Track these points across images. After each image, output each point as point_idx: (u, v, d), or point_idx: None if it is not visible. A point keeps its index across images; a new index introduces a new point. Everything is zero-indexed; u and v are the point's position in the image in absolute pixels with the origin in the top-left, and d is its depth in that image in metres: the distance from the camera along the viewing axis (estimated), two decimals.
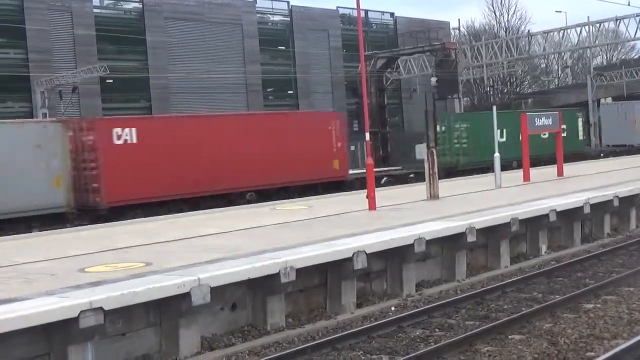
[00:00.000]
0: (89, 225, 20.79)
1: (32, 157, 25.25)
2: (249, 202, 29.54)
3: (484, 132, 39.54)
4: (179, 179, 28.54)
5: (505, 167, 29.62)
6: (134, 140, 28.01)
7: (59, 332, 9.54)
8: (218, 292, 11.16)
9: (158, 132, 29.20)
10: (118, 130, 27.77)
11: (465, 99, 72.49)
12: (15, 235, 19.05)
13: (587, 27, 56.72)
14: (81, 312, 9.42)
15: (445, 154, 41.47)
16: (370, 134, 20.66)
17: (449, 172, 38.87)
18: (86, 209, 27.03)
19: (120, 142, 27.67)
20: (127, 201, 27.44)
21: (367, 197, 19.38)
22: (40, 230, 22.39)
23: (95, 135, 27.39)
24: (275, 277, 11.81)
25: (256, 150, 31.06)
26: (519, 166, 29.87)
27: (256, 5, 58.77)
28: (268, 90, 59.88)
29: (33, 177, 25.07)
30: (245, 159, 30.65)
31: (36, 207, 25.13)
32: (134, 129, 28.15)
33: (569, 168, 30.67)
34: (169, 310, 10.84)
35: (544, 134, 42.94)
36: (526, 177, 27.05)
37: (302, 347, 10.79)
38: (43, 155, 25.56)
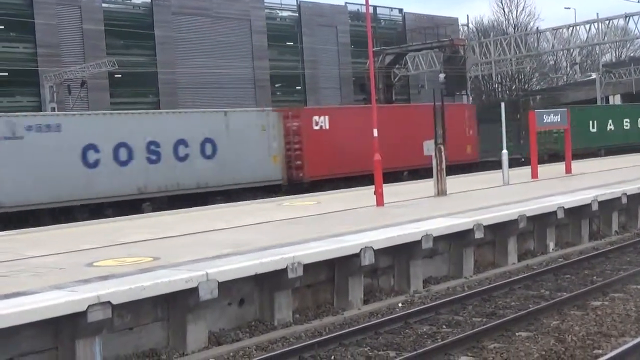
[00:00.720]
0: (98, 220, 20.86)
1: (259, 139, 31.36)
2: (403, 179, 34.52)
3: (582, 123, 47.39)
4: (357, 159, 32.57)
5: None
6: (327, 127, 34.40)
7: (67, 326, 9.58)
8: (226, 287, 11.18)
9: (344, 120, 35.30)
10: (316, 117, 34.31)
11: (472, 95, 72.34)
12: (23, 229, 19.11)
13: (596, 24, 56.55)
14: (89, 306, 9.45)
15: (547, 142, 47.09)
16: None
17: (552, 157, 43.54)
18: (292, 182, 32.88)
19: (317, 127, 34.13)
20: (321, 176, 33.68)
21: (375, 194, 19.38)
22: (262, 198, 26.52)
23: (300, 122, 33.66)
24: (282, 272, 11.82)
25: (412, 135, 35.10)
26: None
27: (264, 0, 58.77)
28: (276, 85, 59.95)
29: (260, 155, 31.36)
30: (403, 143, 35.26)
31: (261, 179, 31.42)
32: (327, 117, 34.38)
33: (578, 165, 30.58)
34: (176, 305, 10.87)
35: (610, 126, 51.01)
36: (534, 174, 27.01)
37: (309, 342, 10.79)
38: (266, 137, 31.74)
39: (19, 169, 24.32)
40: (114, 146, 26.88)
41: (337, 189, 28.39)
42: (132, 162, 27.33)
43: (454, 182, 24.55)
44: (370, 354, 10.52)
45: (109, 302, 9.64)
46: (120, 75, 49.54)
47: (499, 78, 76.36)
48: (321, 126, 34.07)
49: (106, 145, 26.65)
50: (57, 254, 13.61)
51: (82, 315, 9.42)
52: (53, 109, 43.63)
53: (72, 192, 25.69)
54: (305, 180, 33.11)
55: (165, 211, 23.31)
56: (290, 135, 33.33)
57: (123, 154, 27.12)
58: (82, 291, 9.80)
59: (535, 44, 62.15)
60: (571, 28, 58.82)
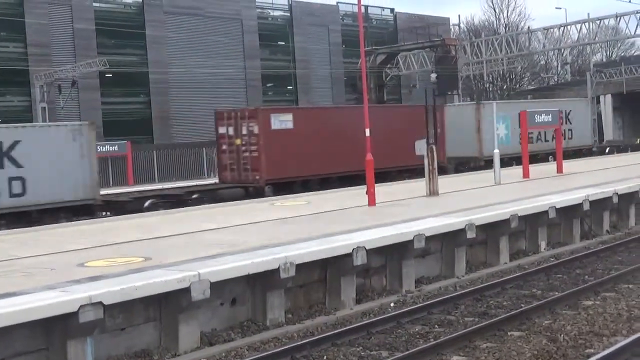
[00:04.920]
0: (88, 220, 20.80)
1: None
2: None
3: None
4: None
5: None
6: None
7: (59, 327, 9.55)
8: (218, 287, 11.16)
9: None
10: None
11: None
12: (14, 230, 19.04)
13: (587, 24, 56.63)
14: (81, 306, 9.42)
15: None
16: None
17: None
18: None
19: None
20: None
21: (366, 193, 19.38)
22: None
23: None
24: (275, 272, 11.80)
25: None
26: None
27: (256, 0, 58.71)
28: (267, 85, 59.88)
29: None
30: None
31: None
32: None
33: (569, 165, 30.64)
34: (168, 305, 10.84)
35: None
36: (526, 174, 27.04)
37: (301, 342, 10.78)
38: None
39: None
40: None
41: None
42: None
43: (445, 182, 24.56)
44: (362, 354, 10.51)
45: (100, 303, 9.61)
46: (110, 75, 49.39)
47: (491, 78, 76.51)
48: None
49: None
50: (49, 254, 13.56)
51: (73, 315, 9.39)
52: (43, 109, 43.48)
53: None
54: None
55: (156, 211, 23.25)
56: None
57: None
58: (74, 291, 9.77)
59: (527, 44, 62.24)
60: (562, 28, 58.90)
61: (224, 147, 30.58)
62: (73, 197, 24.68)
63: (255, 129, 29.48)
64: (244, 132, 29.78)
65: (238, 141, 29.99)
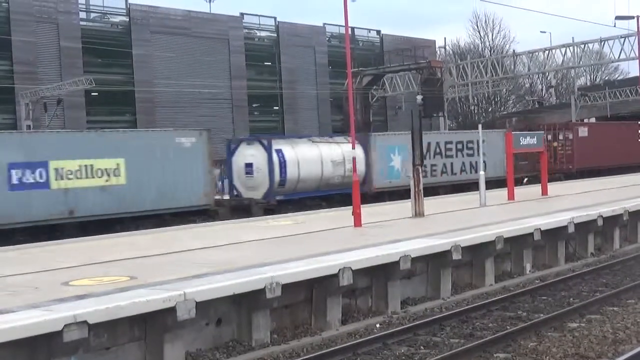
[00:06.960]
0: (74, 238, 20.69)
1: None
2: None
3: None
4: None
5: None
6: None
7: (43, 346, 9.47)
8: (203, 307, 11.12)
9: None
10: None
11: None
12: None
13: (571, 48, 57.20)
14: (65, 325, 9.35)
15: None
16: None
17: None
18: None
19: None
20: None
21: (353, 214, 19.38)
22: None
23: None
24: (260, 292, 11.77)
25: None
26: None
27: (243, 20, 58.90)
28: (253, 105, 59.94)
29: None
30: None
31: None
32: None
33: (554, 187, 30.77)
34: (153, 325, 10.78)
35: None
36: (510, 196, 27.11)
37: None
38: None
39: None
40: None
41: None
42: None
43: (431, 204, 24.60)
44: None
45: (85, 322, 9.55)
46: (97, 94, 49.32)
47: (476, 100, 76.94)
48: None
49: None
50: (33, 272, 13.47)
51: (57, 334, 9.32)
52: (28, 127, 43.34)
53: None
54: None
55: (142, 230, 23.17)
56: None
57: None
58: (58, 310, 9.70)
59: (512, 67, 62.68)
60: (547, 51, 59.45)
61: None
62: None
63: (570, 136, 47.05)
64: (560, 137, 46.80)
65: (555, 144, 46.36)
